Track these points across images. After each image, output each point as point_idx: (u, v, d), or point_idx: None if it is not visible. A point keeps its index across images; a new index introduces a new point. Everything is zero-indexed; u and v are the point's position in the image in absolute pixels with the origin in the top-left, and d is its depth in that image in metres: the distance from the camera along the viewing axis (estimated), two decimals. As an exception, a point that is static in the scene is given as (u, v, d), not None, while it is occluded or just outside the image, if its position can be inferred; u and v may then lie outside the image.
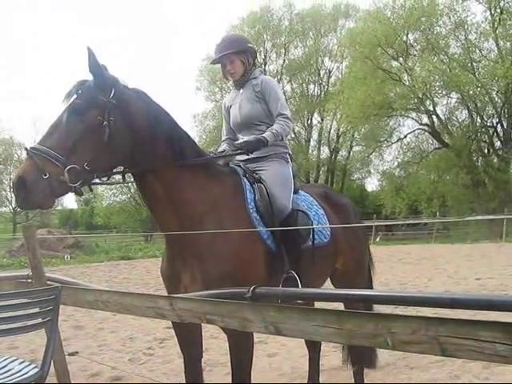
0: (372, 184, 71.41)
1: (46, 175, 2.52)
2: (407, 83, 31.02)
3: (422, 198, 32.76)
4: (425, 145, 37.09)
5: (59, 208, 53.79)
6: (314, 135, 42.85)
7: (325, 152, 43.08)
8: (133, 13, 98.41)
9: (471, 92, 30.34)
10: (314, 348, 4.37)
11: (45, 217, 50.61)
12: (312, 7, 41.70)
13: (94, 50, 2.72)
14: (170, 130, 2.97)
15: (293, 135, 38.18)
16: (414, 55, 32.72)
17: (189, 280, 2.93)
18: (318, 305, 3.75)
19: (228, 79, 3.72)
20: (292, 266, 3.10)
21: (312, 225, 3.37)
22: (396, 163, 37.90)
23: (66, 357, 4.01)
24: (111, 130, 2.69)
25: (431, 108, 32.58)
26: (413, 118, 34.75)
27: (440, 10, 30.86)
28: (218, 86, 40.79)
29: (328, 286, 3.96)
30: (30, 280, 3.77)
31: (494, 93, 30.63)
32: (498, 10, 29.29)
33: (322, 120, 42.16)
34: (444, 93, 32.09)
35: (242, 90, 3.59)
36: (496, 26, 29.21)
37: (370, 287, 4.34)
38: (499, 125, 31.86)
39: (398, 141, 36.52)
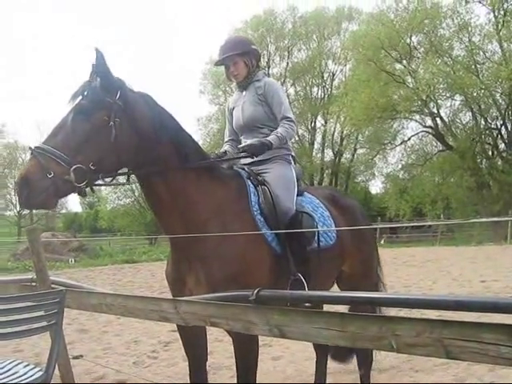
0: (376, 186, 71.38)
1: (50, 174, 2.50)
2: (411, 85, 31.00)
3: (427, 200, 32.73)
4: (429, 147, 37.06)
5: (64, 211, 54.00)
6: (318, 138, 42.87)
7: (329, 155, 43.14)
8: (133, 13, 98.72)
9: (475, 94, 30.28)
10: (322, 351, 4.33)
11: (49, 220, 50.75)
12: (315, 10, 41.75)
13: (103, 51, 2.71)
14: (174, 133, 2.97)
15: (296, 138, 38.16)
16: (418, 57, 32.71)
17: (194, 283, 2.93)
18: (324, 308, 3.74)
19: (231, 81, 3.73)
20: (299, 268, 3.08)
21: (317, 226, 3.35)
22: (400, 165, 37.93)
23: (71, 360, 4.02)
24: (117, 131, 2.69)
25: (435, 110, 32.53)
26: (416, 121, 34.73)
27: (443, 13, 30.88)
28: (221, 90, 40.87)
29: (335, 290, 3.94)
30: (34, 283, 3.77)
31: (497, 95, 30.55)
32: (502, 12, 29.22)
33: (326, 123, 42.17)
34: (448, 95, 32.04)
35: (245, 92, 3.59)
36: (500, 27, 29.13)
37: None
38: (503, 127, 31.76)
39: (401, 143, 36.51)
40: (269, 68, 40.73)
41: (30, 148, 2.59)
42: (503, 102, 30.95)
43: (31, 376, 2.77)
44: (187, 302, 2.51)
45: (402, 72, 32.05)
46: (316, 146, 42.86)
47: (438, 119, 33.13)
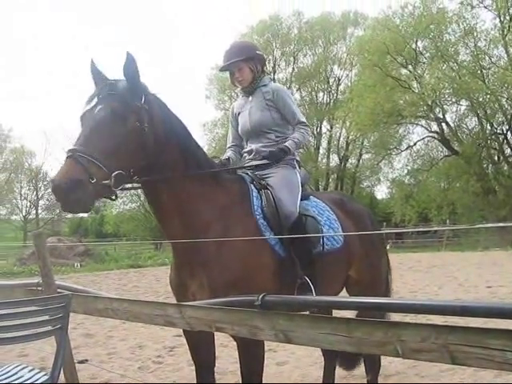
0: (382, 192, 71.04)
1: (93, 179, 2.50)
2: (416, 91, 31.03)
3: (432, 205, 32.68)
4: (434, 152, 37.02)
5: (69, 216, 54.05)
6: (324, 143, 42.90)
7: (334, 160, 43.15)
8: (133, 13, 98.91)
9: (481, 99, 30.27)
10: (330, 356, 4.30)
11: (55, 225, 50.87)
12: (321, 15, 41.87)
13: (134, 55, 2.72)
14: (184, 140, 2.99)
15: (302, 143, 38.16)
16: (424, 63, 32.75)
17: (196, 287, 2.93)
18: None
19: (236, 86, 3.73)
20: (305, 271, 3.07)
21: (322, 229, 3.34)
22: (406, 171, 37.92)
23: (76, 365, 4.01)
24: (149, 136, 2.73)
25: (441, 115, 32.54)
26: (422, 126, 34.76)
27: (449, 18, 30.90)
28: (227, 95, 40.93)
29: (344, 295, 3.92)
30: (40, 288, 3.78)
31: (503, 100, 30.53)
32: (508, 17, 29.24)
33: (332, 128, 42.22)
34: (453, 100, 32.09)
35: (251, 98, 3.58)
36: (506, 32, 29.15)
37: None
38: (509, 132, 31.74)
39: (407, 148, 36.51)
40: (274, 73, 40.82)
41: (70, 150, 2.54)
42: (509, 107, 30.93)
43: (36, 380, 2.77)
44: (192, 306, 2.51)
45: (408, 77, 32.08)
46: (321, 151, 42.95)
47: (443, 124, 33.14)
